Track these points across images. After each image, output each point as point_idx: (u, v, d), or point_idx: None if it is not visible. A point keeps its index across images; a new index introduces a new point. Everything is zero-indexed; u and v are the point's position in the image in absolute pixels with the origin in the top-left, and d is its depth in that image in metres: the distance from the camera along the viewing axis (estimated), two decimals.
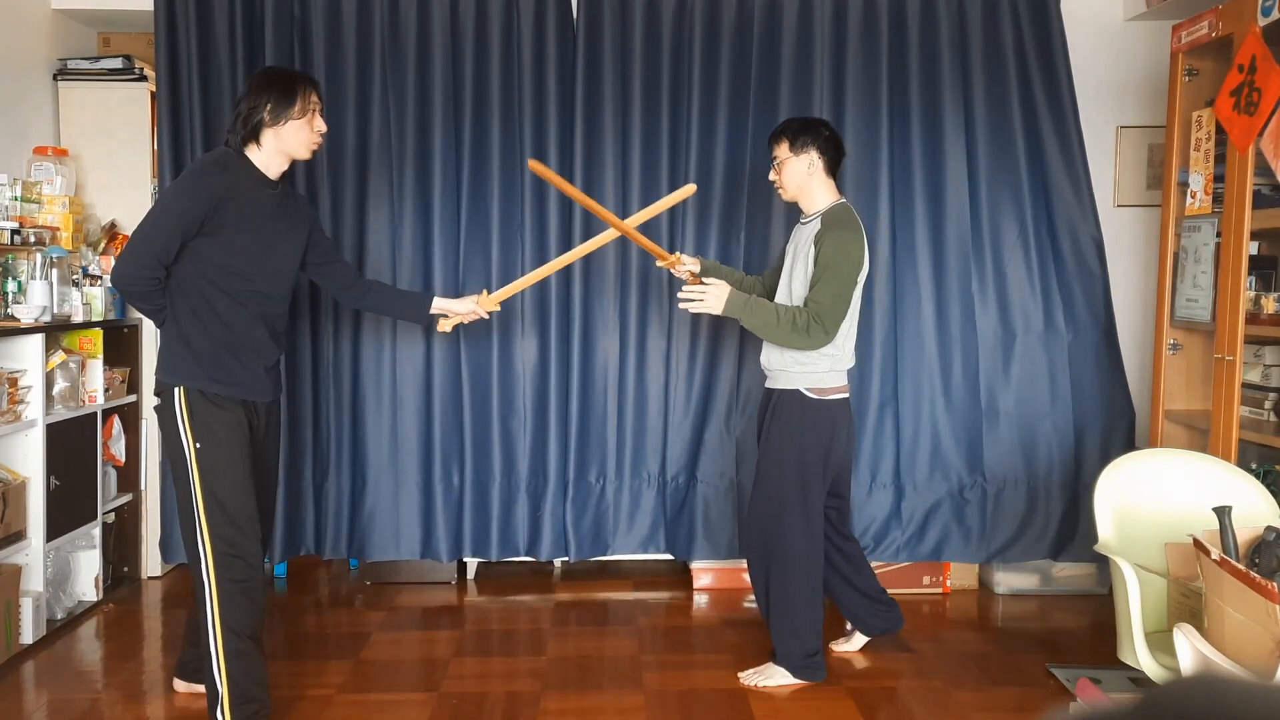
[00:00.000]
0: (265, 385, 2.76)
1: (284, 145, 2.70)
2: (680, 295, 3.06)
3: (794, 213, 3.30)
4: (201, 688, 2.86)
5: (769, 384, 3.17)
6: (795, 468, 3.06)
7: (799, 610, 3.09)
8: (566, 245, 3.89)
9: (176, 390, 2.64)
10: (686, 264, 3.22)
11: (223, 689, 2.60)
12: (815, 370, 3.04)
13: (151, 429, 4.05)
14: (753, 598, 3.92)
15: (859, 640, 3.38)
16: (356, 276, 3.14)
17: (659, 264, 3.24)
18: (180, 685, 3.02)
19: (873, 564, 3.50)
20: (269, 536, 2.92)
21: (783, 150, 3.07)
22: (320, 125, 2.75)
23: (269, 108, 2.65)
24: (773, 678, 3.11)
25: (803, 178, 3.07)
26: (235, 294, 2.66)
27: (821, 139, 3.06)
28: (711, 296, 2.98)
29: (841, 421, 3.11)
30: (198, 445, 2.62)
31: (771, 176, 3.15)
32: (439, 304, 3.15)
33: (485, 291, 3.23)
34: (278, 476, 3.03)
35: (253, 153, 2.69)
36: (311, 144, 2.75)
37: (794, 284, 3.09)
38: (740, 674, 3.16)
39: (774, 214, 3.87)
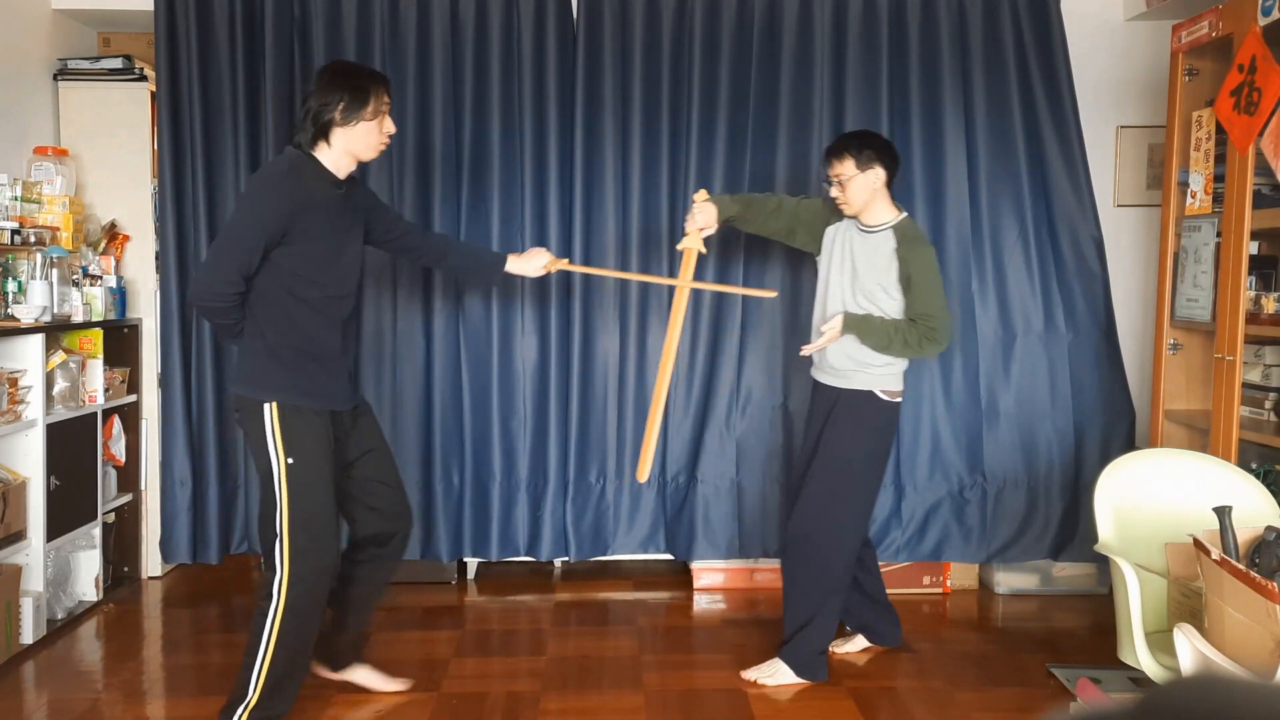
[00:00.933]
0: (347, 392, 2.78)
1: (352, 146, 2.62)
2: (805, 349, 3.11)
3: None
4: (351, 675, 2.98)
5: (832, 382, 3.13)
6: (859, 467, 3.09)
7: (823, 607, 3.09)
8: (566, 244, 3.89)
9: (266, 406, 2.60)
10: (700, 227, 3.13)
11: (251, 697, 2.61)
12: (889, 372, 3.08)
13: (152, 429, 4.05)
14: (752, 597, 3.93)
15: (859, 642, 3.38)
16: (428, 239, 3.14)
17: (701, 248, 3.16)
18: (323, 673, 3.01)
19: None
20: (406, 535, 2.97)
21: (848, 168, 3.04)
22: (390, 127, 2.68)
23: (341, 107, 2.57)
24: (776, 675, 3.11)
25: (869, 193, 3.05)
26: (312, 301, 2.62)
27: (884, 153, 3.06)
28: (831, 331, 3.02)
29: (898, 422, 3.22)
30: (289, 461, 2.60)
31: (834, 193, 3.09)
32: (512, 266, 3.11)
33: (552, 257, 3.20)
34: (396, 475, 2.98)
35: (321, 152, 2.62)
36: (380, 146, 2.68)
37: (858, 289, 3.06)
38: (743, 672, 3.16)
39: None
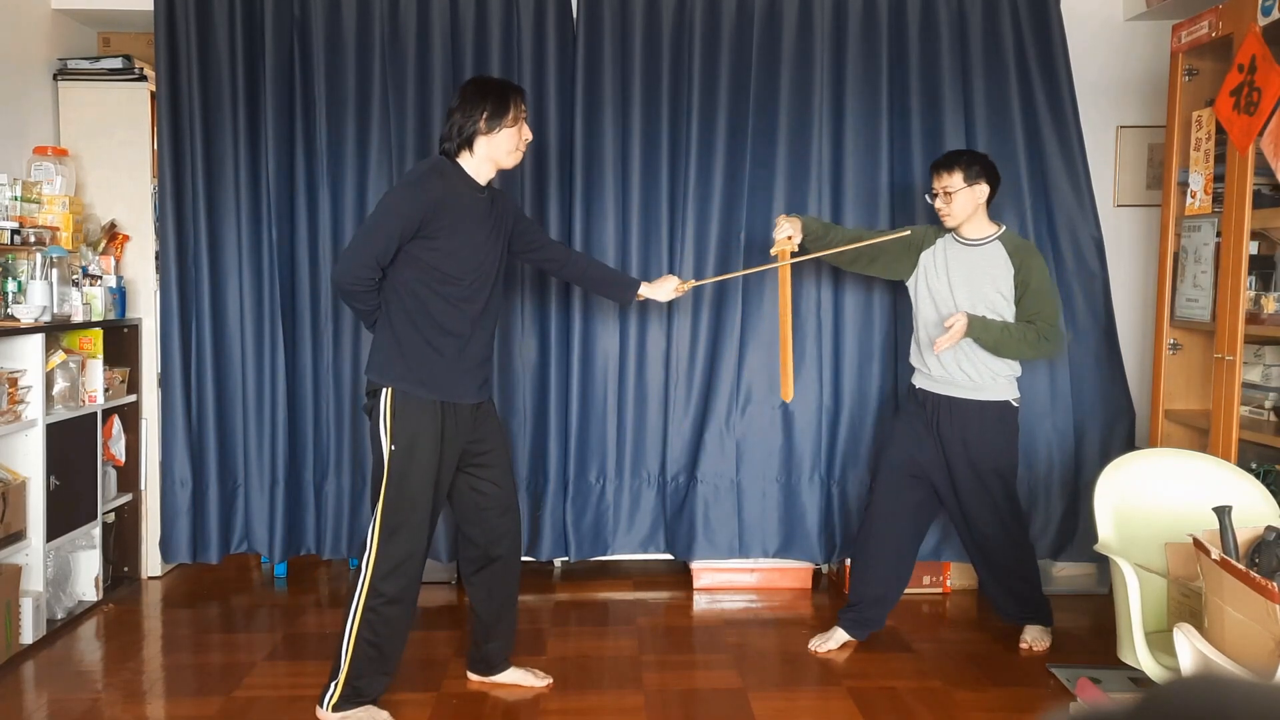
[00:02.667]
0: (469, 388, 2.84)
1: (494, 152, 2.78)
2: (938, 344, 3.12)
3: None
4: (503, 678, 3.09)
5: (967, 395, 3.26)
6: (1014, 472, 3.35)
7: (1035, 568, 3.46)
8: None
9: (384, 391, 2.76)
10: (789, 235, 3.22)
11: (341, 673, 2.78)
12: (1014, 379, 3.31)
13: (151, 429, 4.05)
14: (752, 597, 3.94)
15: (840, 637, 3.41)
16: (569, 255, 3.26)
17: (793, 247, 3.24)
18: (478, 679, 3.13)
19: None
20: (515, 536, 3.03)
21: (955, 181, 3.22)
22: (527, 134, 2.85)
23: (485, 116, 2.74)
24: (1043, 639, 3.41)
25: (973, 207, 3.24)
26: (448, 297, 2.75)
27: (990, 171, 3.24)
28: (958, 329, 3.10)
29: None
30: (393, 448, 2.75)
31: (939, 204, 3.27)
32: (645, 290, 3.25)
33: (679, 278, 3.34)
34: (511, 475, 3.06)
35: (465, 160, 2.79)
36: (519, 151, 2.84)
37: (978, 298, 3.21)
38: (1022, 646, 3.40)
39: (773, 213, 3.86)
